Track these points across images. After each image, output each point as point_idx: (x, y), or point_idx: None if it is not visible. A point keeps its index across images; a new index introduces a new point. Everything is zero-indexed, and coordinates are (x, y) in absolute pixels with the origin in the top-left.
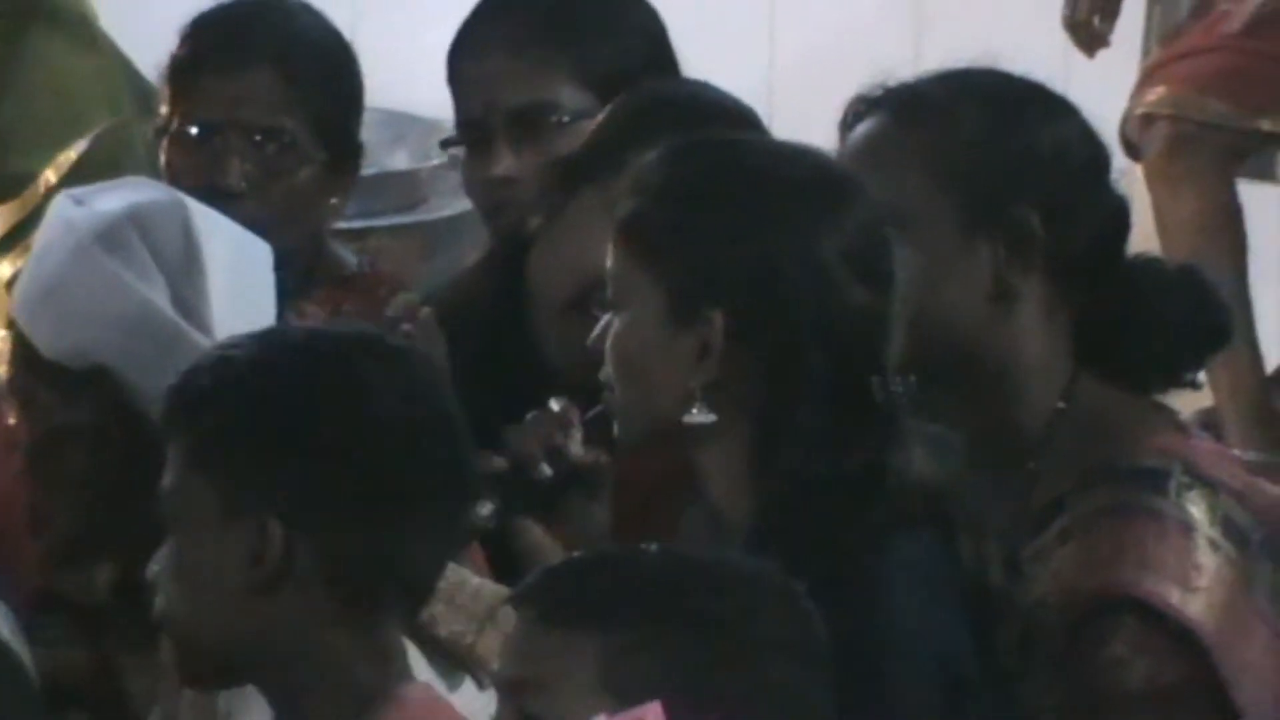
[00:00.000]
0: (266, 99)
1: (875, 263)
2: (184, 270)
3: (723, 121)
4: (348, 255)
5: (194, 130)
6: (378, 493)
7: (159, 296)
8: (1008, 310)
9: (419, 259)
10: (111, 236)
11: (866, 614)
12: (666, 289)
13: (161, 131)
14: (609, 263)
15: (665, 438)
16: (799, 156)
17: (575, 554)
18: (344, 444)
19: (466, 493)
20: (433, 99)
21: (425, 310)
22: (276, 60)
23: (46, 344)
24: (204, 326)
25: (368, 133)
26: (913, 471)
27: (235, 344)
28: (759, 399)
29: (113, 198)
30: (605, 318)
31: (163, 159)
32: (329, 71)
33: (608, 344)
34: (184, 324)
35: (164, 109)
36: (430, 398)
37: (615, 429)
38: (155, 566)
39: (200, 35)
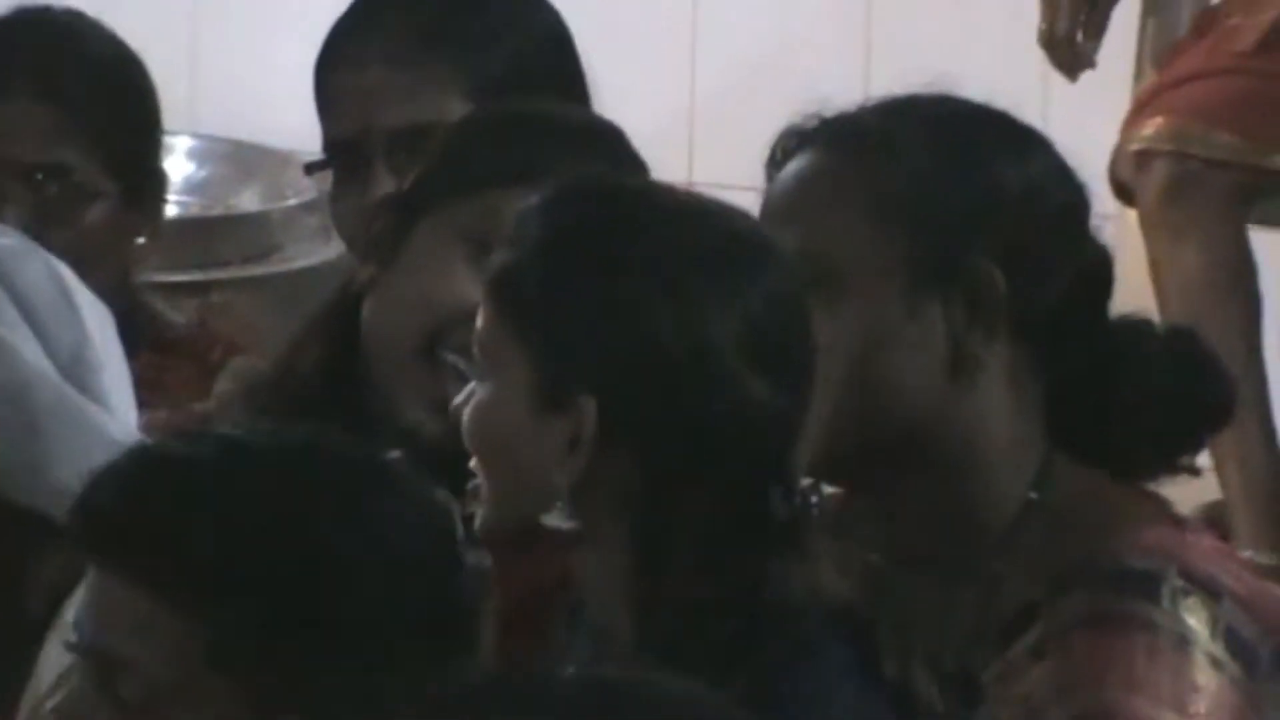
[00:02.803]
0: (37, 132)
1: (783, 349)
2: (67, 329)
3: (580, 142)
4: (170, 313)
5: None
6: (345, 653)
7: (33, 356)
8: (967, 382)
9: (271, 316)
10: None
11: None
12: (535, 365)
13: None
14: (478, 323)
15: (530, 536)
16: (706, 216)
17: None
18: (309, 596)
19: (454, 647)
20: (285, 127)
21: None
22: (42, 86)
23: None
24: (98, 396)
25: (212, 168)
26: (804, 589)
27: (191, 461)
28: (634, 505)
29: None
30: (470, 385)
31: None
32: (110, 91)
33: (466, 416)
34: (73, 392)
35: None
36: (429, 576)
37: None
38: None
39: None
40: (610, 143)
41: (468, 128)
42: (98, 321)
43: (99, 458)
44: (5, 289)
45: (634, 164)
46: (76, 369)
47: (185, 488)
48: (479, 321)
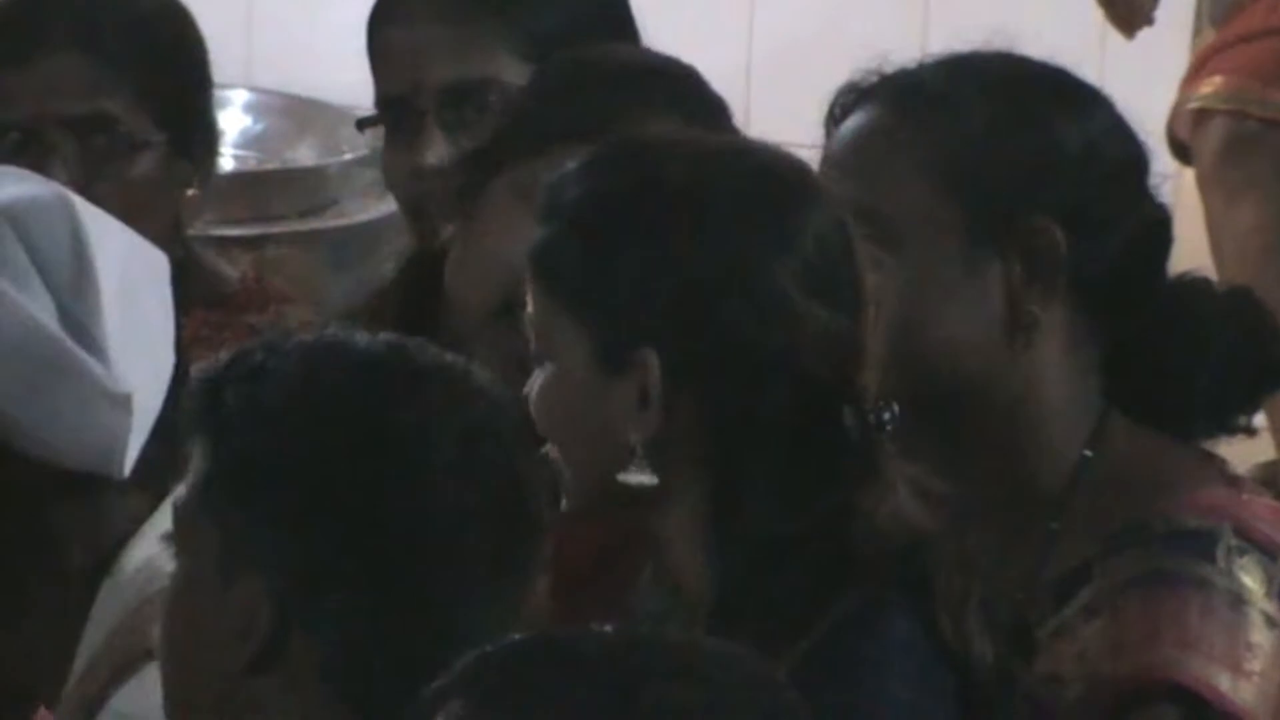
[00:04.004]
0: (81, 84)
1: (836, 272)
2: (72, 280)
3: (650, 90)
4: (225, 268)
5: (3, 135)
6: (401, 579)
7: (39, 308)
8: (1024, 341)
9: (325, 272)
10: None
11: (852, 707)
12: (590, 330)
13: None
14: (528, 307)
15: (617, 502)
16: (737, 156)
17: (512, 636)
18: (368, 520)
19: (518, 582)
20: (342, 82)
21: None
22: (85, 38)
23: None
24: (96, 349)
25: (268, 122)
26: (889, 520)
27: (277, 351)
28: (711, 450)
29: None
30: (535, 372)
31: None
32: (154, 40)
33: (533, 401)
34: (71, 344)
35: None
36: (501, 465)
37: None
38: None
39: None
40: (683, 86)
41: (538, 81)
42: (143, 272)
43: (97, 412)
44: (23, 244)
45: (710, 104)
46: (81, 325)
47: (250, 387)
48: (528, 305)
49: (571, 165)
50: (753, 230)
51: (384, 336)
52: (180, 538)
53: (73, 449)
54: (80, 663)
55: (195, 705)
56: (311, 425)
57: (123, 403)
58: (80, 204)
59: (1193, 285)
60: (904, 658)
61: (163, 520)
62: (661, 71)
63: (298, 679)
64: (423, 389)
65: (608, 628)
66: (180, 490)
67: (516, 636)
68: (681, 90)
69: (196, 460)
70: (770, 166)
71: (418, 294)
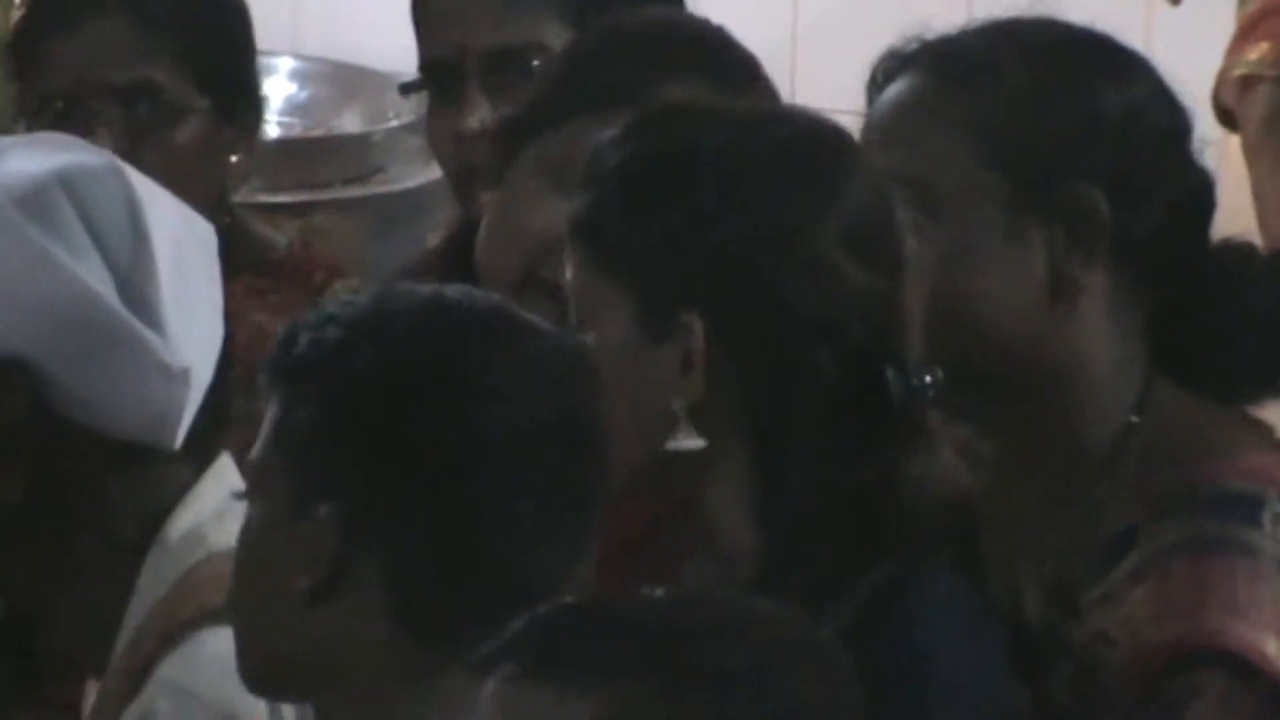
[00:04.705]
0: (124, 51)
1: (876, 235)
2: (130, 251)
3: (683, 56)
4: (272, 234)
5: (48, 104)
6: (464, 511)
7: (96, 279)
8: (1066, 306)
9: (372, 238)
10: (36, 202)
11: (905, 663)
12: (633, 296)
13: (20, 113)
14: (568, 274)
15: (664, 471)
16: (777, 121)
17: (565, 600)
18: (434, 449)
19: (583, 514)
20: (387, 49)
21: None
22: (126, 5)
23: None
24: (154, 321)
25: (313, 89)
26: (934, 480)
27: (349, 302)
28: (755, 413)
29: (28, 157)
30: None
31: None
32: (197, 6)
33: None
34: (129, 317)
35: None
36: (563, 397)
37: None
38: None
39: None
40: (709, 49)
41: (567, 51)
42: (185, 243)
43: (154, 384)
44: (78, 213)
45: (739, 65)
46: (137, 295)
47: (319, 335)
48: (568, 273)
49: (611, 132)
50: (794, 193)
51: (452, 285)
52: (254, 484)
53: (128, 420)
54: (127, 632)
55: (265, 648)
56: (378, 358)
57: (180, 376)
58: (131, 173)
59: (1237, 250)
60: (950, 613)
61: (209, 489)
62: (686, 35)
63: (361, 609)
64: (488, 325)
65: (659, 591)
66: (256, 445)
67: (568, 600)
68: (707, 53)
69: (270, 409)
70: (809, 131)
71: (458, 263)
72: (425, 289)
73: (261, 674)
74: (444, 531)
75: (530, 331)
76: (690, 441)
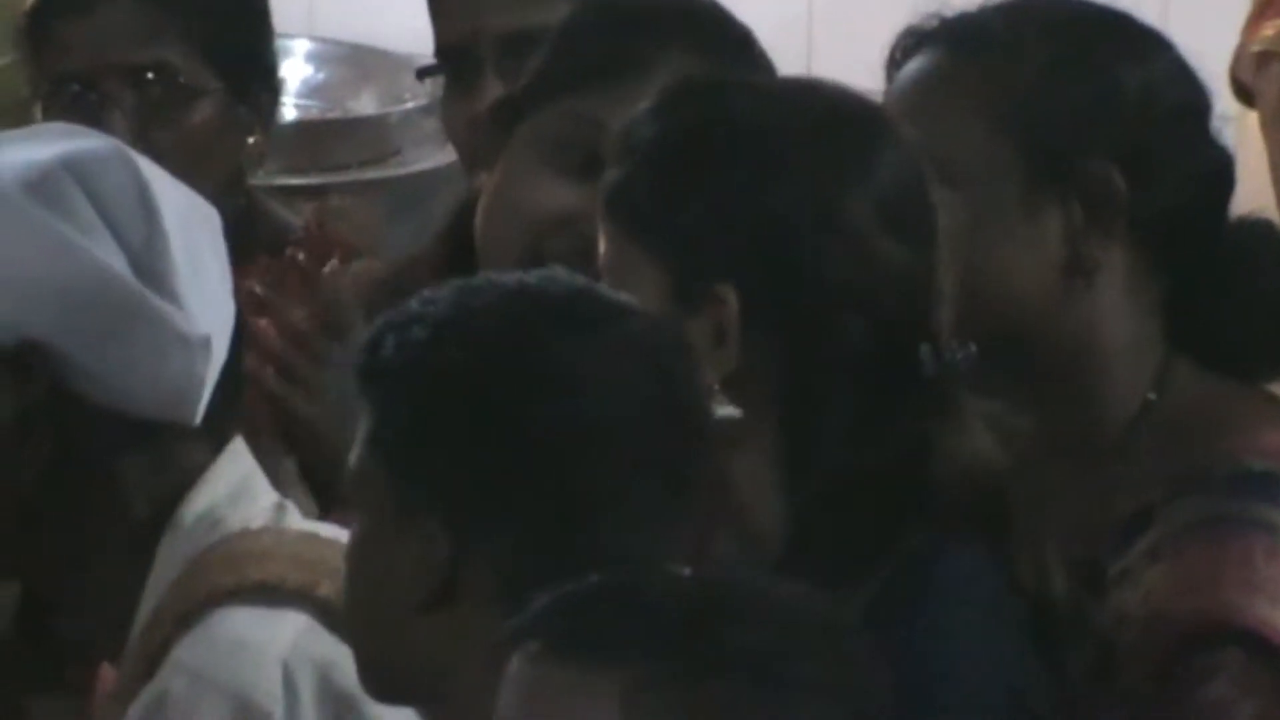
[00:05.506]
0: (137, 32)
1: (910, 209)
2: (140, 227)
3: (674, 31)
4: (289, 216)
5: (61, 86)
6: (571, 503)
7: (108, 257)
8: (1083, 283)
9: (387, 221)
10: (44, 187)
11: (922, 639)
12: (666, 267)
13: (33, 96)
14: (601, 245)
15: None
16: (810, 93)
17: (588, 580)
18: (534, 442)
19: (684, 495)
20: (404, 30)
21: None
22: None
23: None
24: (171, 295)
25: (330, 71)
26: (966, 455)
27: (430, 300)
28: (785, 387)
29: (30, 146)
30: None
31: None
32: None
33: None
34: (146, 291)
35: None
36: (657, 385)
37: None
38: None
39: None
40: (700, 22)
41: (560, 28)
42: (191, 223)
43: (174, 357)
44: (87, 195)
45: (733, 38)
46: (152, 270)
47: (404, 337)
48: (600, 247)
49: (645, 105)
50: (828, 164)
51: (535, 272)
52: (356, 496)
53: (148, 396)
54: (143, 615)
55: (384, 659)
56: (467, 356)
57: (202, 345)
58: (137, 157)
59: (1255, 227)
60: (972, 587)
61: (225, 470)
62: (678, 8)
63: (475, 612)
64: (574, 311)
65: (684, 571)
66: (353, 454)
67: (593, 578)
68: (700, 26)
69: (364, 417)
70: (844, 103)
71: (462, 244)
72: (508, 279)
73: (381, 682)
74: (550, 525)
75: (619, 312)
76: (727, 411)
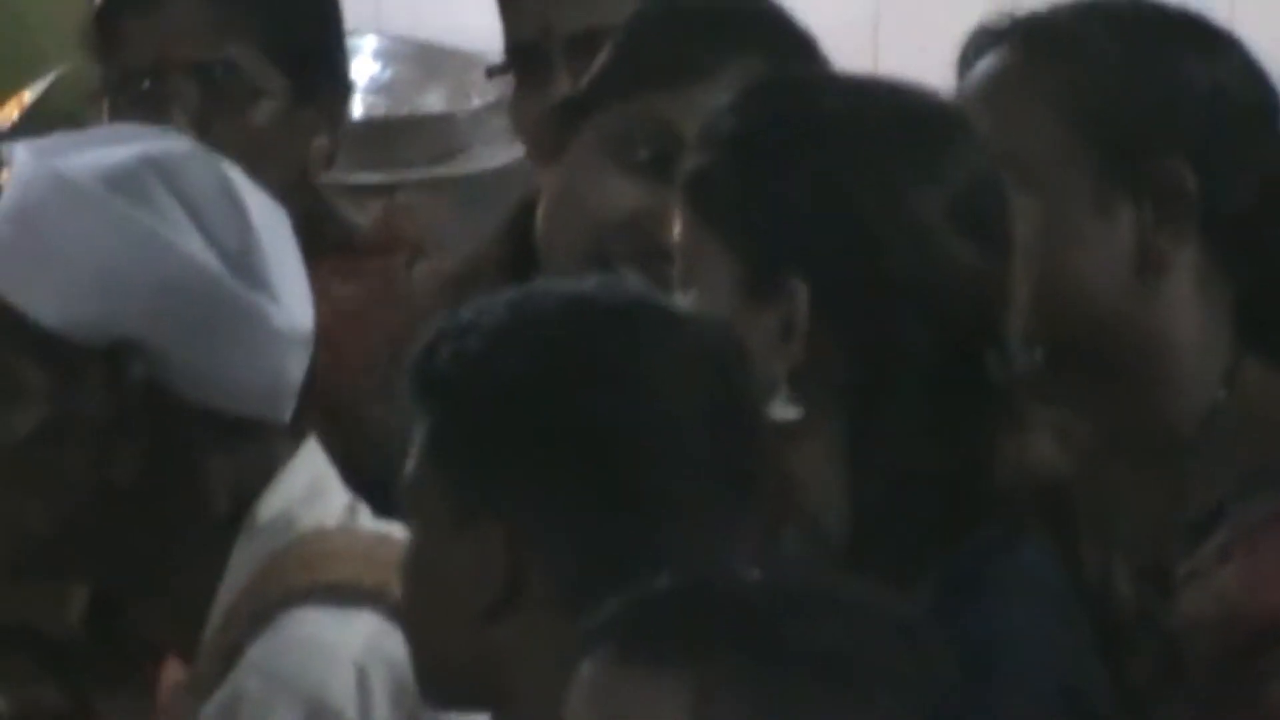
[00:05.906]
0: (202, 29)
1: (986, 212)
2: (230, 223)
3: (739, 33)
4: (355, 215)
5: (128, 82)
6: (633, 505)
7: (199, 252)
8: (1155, 282)
9: (454, 219)
10: (129, 184)
11: (979, 633)
12: (740, 257)
13: (100, 91)
14: (676, 231)
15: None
16: (890, 93)
17: (659, 582)
18: (596, 446)
19: (745, 495)
20: (472, 28)
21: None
22: None
23: (52, 314)
24: (266, 290)
25: (397, 69)
26: (1030, 459)
27: (485, 309)
28: (853, 383)
29: (108, 146)
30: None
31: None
32: None
33: None
34: (242, 286)
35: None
36: (715, 387)
37: None
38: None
39: None
40: (765, 25)
41: (626, 28)
42: (269, 221)
43: (269, 354)
44: (172, 192)
45: (796, 42)
46: (245, 265)
47: (462, 345)
48: (676, 230)
49: (728, 100)
50: (905, 162)
51: (591, 279)
52: (412, 507)
53: (243, 393)
54: (217, 613)
55: (445, 666)
56: (524, 365)
57: (301, 340)
58: (216, 157)
59: None
60: (1032, 584)
61: (300, 468)
62: (744, 10)
63: (538, 617)
64: (630, 317)
65: (754, 572)
66: (409, 463)
67: (665, 581)
68: (764, 29)
69: (419, 428)
70: (923, 103)
71: (522, 243)
72: (565, 286)
73: (444, 690)
74: (613, 527)
75: (675, 318)
76: (786, 411)
